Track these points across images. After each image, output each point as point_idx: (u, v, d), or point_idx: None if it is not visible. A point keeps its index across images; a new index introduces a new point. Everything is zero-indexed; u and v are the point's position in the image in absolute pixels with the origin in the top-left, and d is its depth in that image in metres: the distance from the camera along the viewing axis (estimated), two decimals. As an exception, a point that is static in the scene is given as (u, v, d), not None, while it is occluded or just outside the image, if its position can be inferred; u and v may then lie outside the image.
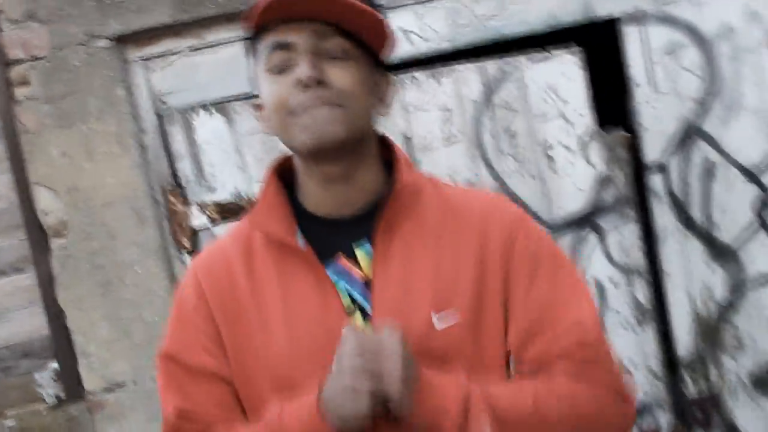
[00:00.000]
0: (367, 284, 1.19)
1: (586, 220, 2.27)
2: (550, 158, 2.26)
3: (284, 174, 1.28)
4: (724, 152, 2.27)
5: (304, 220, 1.23)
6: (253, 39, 1.21)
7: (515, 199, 2.24)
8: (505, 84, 2.25)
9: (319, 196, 1.22)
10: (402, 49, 2.29)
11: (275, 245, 1.22)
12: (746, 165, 2.28)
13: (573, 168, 2.26)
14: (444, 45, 2.29)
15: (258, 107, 1.24)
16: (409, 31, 2.30)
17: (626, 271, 2.28)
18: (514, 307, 1.19)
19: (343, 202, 1.21)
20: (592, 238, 2.27)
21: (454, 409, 1.10)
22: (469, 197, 1.27)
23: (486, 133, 2.27)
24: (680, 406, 2.31)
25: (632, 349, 2.28)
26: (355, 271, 1.20)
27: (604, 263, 2.28)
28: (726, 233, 2.29)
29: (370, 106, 1.20)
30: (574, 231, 2.27)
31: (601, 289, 2.27)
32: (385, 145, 1.27)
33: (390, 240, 1.19)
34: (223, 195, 2.36)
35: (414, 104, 2.26)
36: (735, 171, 2.28)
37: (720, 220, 2.29)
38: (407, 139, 2.27)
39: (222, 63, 2.33)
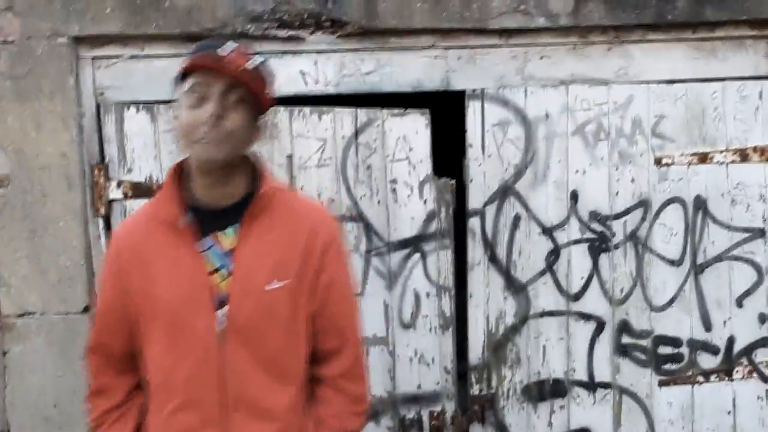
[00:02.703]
0: (231, 253, 1.79)
1: (414, 243, 2.82)
2: (394, 191, 2.81)
3: (182, 171, 1.85)
4: (529, 209, 2.85)
5: (194, 207, 1.82)
6: (184, 73, 1.78)
7: (363, 218, 2.82)
8: (370, 128, 2.80)
9: (205, 193, 1.82)
10: (298, 86, 2.85)
11: (166, 224, 1.82)
12: (544, 222, 2.86)
13: (410, 201, 2.81)
14: (330, 89, 2.85)
15: (176, 118, 1.80)
16: (306, 74, 2.86)
17: (438, 287, 2.82)
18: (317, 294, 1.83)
19: (220, 198, 1.81)
20: (416, 257, 2.82)
21: None
22: (307, 205, 1.92)
23: (349, 164, 2.80)
24: (464, 400, 2.86)
25: (434, 348, 2.83)
26: (223, 244, 1.81)
27: (422, 278, 2.82)
28: (520, 272, 2.86)
29: (246, 139, 1.80)
30: (404, 250, 2.83)
31: (417, 297, 2.83)
32: (256, 161, 1.88)
33: (250, 226, 1.79)
34: (138, 177, 2.78)
35: (298, 132, 2.80)
36: (535, 225, 2.85)
37: (518, 261, 2.86)
38: (289, 158, 2.82)
39: (154, 72, 2.79)
